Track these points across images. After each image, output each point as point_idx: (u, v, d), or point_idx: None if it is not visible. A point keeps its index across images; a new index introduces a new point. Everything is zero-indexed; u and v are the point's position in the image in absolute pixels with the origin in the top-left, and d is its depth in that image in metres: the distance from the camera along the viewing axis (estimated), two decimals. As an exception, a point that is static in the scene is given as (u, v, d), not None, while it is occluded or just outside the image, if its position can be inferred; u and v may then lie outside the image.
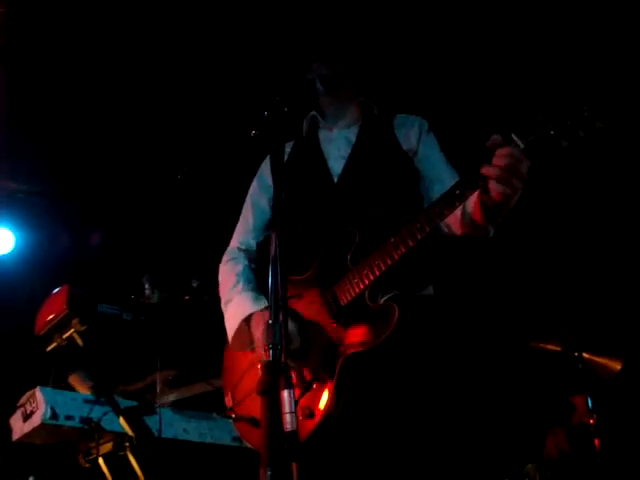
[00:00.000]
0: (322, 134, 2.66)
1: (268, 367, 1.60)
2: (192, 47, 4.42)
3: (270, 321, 1.64)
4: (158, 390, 3.67)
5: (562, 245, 4.57)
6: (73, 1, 4.14)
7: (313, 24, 2.52)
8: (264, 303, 2.44)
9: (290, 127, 2.51)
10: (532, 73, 4.07)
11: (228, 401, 2.50)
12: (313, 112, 2.67)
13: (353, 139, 2.56)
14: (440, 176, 2.45)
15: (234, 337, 2.48)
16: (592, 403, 3.65)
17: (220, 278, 2.68)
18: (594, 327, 4.13)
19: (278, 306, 1.67)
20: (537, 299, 4.55)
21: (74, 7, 4.16)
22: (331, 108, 2.64)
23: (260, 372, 2.32)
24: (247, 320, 2.42)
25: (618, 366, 3.69)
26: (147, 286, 4.04)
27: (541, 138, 1.88)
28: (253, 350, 2.42)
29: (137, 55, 4.50)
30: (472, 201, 2.11)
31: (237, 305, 2.50)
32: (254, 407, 2.31)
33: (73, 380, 3.38)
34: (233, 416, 2.43)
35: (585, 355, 3.75)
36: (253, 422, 2.32)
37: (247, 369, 2.45)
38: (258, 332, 2.33)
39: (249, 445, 2.37)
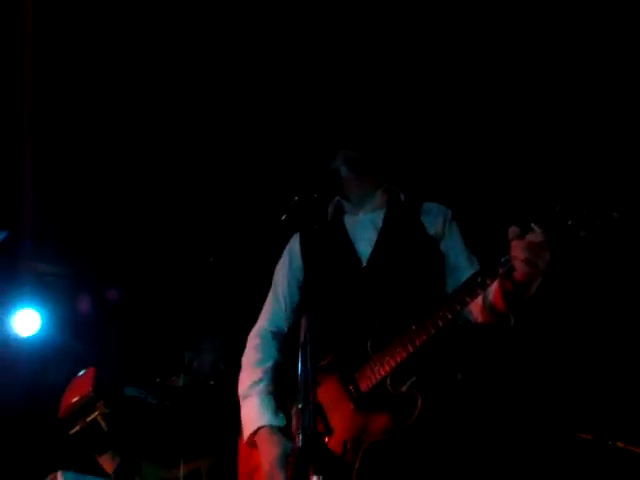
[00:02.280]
0: (347, 218, 2.67)
1: (298, 453, 1.58)
2: (226, 133, 4.54)
3: (300, 405, 1.64)
4: (182, 477, 3.61)
5: (596, 332, 4.51)
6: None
7: (342, 110, 2.59)
8: (273, 419, 2.42)
9: (318, 213, 2.56)
10: (551, 164, 4.13)
11: None
12: (338, 197, 2.70)
13: (380, 223, 2.58)
14: (462, 265, 2.47)
15: (250, 437, 2.45)
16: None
17: (245, 360, 2.65)
18: (629, 416, 4.03)
19: (308, 390, 1.67)
20: (570, 387, 4.46)
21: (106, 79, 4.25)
22: (357, 193, 2.67)
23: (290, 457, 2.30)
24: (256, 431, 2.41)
25: (654, 457, 3.57)
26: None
27: (560, 228, 1.92)
28: None
29: (163, 144, 4.63)
30: (493, 289, 2.15)
31: (253, 409, 2.48)
32: None
33: (103, 461, 3.33)
34: None
35: (619, 444, 3.64)
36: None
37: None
38: (263, 454, 2.32)
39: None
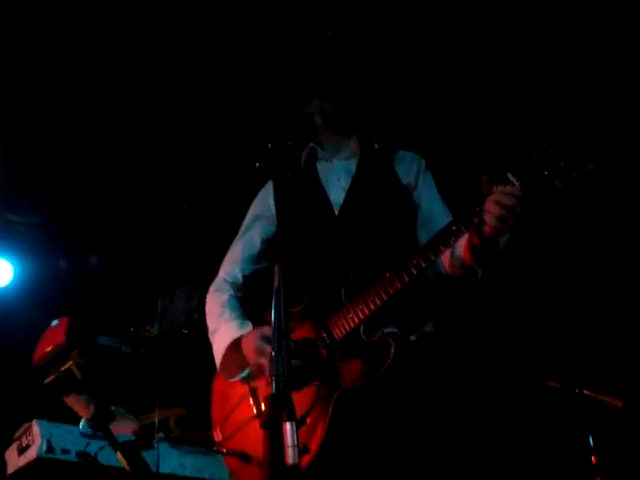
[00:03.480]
0: (321, 165, 2.66)
1: (271, 399, 1.58)
2: (198, 81, 4.47)
3: (273, 352, 1.64)
4: (157, 426, 3.63)
5: (564, 284, 4.57)
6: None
7: (316, 60, 2.54)
8: (250, 327, 2.44)
9: (292, 160, 2.54)
10: (526, 113, 4.12)
11: (217, 435, 2.47)
12: (312, 144, 2.68)
13: (353, 170, 2.56)
14: (436, 215, 2.47)
15: (222, 364, 2.46)
16: (593, 442, 3.61)
17: (207, 309, 2.67)
18: (595, 364, 4.11)
19: (281, 337, 1.67)
20: (538, 337, 4.53)
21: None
22: (331, 141, 2.65)
23: (256, 404, 2.32)
24: (235, 344, 2.40)
25: (619, 404, 3.66)
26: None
27: (535, 178, 1.92)
28: (243, 378, 2.39)
29: (141, 88, 4.56)
30: (461, 243, 2.16)
31: (224, 333, 2.48)
32: (245, 442, 2.31)
33: (75, 405, 3.33)
34: (224, 451, 2.39)
35: (585, 392, 3.71)
36: (244, 457, 2.29)
37: (237, 403, 2.42)
38: (249, 351, 2.31)
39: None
